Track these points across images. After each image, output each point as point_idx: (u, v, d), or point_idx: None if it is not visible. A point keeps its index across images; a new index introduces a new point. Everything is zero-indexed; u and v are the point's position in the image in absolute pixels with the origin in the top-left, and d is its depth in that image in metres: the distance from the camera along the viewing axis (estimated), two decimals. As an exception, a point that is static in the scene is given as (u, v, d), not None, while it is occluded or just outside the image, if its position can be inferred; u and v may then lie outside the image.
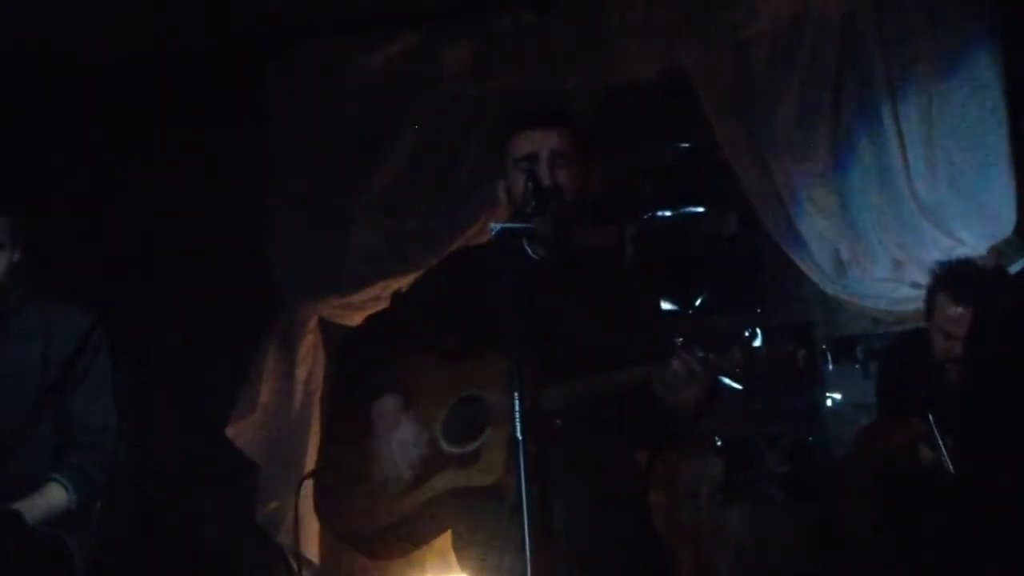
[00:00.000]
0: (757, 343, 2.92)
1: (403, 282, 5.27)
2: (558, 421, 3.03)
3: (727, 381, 3.03)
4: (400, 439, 3.16)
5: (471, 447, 3.09)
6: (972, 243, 4.74)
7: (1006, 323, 3.52)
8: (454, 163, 5.46)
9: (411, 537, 3.26)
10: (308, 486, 3.52)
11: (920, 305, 4.51)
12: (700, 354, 2.91)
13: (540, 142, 3.20)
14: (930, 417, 4.08)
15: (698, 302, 5.79)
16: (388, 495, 3.18)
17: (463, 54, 5.53)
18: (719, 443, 5.48)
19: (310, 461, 5.34)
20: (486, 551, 3.08)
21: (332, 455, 3.48)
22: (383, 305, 4.34)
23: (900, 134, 4.93)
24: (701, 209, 5.96)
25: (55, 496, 3.41)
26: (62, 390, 3.50)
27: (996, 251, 4.68)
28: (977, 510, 3.56)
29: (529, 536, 2.63)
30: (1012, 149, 4.73)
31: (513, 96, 5.27)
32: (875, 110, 4.99)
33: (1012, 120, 4.75)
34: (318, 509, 3.40)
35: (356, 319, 5.37)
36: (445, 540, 3.28)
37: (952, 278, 4.30)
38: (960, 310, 4.20)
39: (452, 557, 3.27)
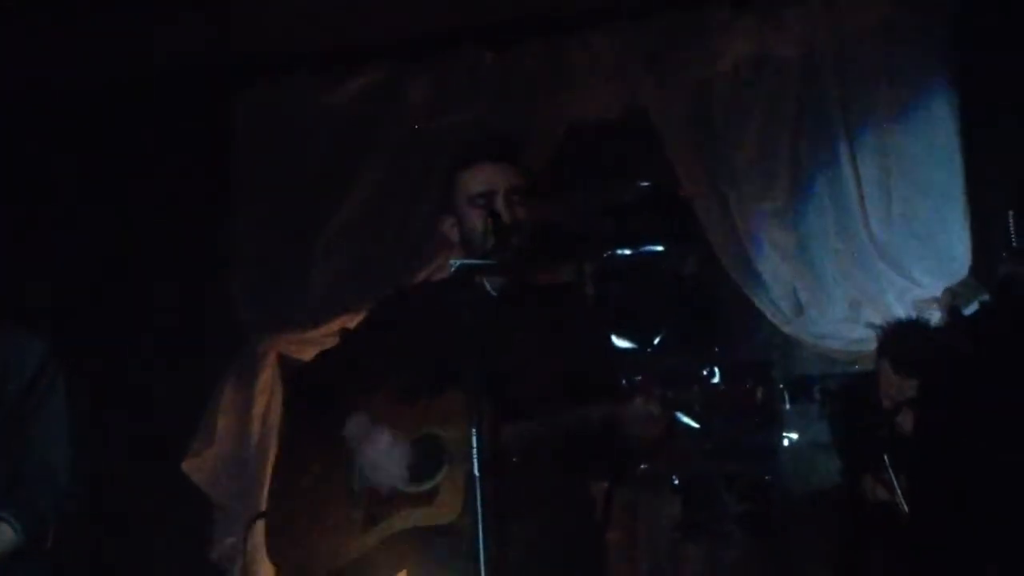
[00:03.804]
0: (715, 381, 2.94)
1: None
2: (514, 459, 3.02)
3: (685, 419, 3.04)
4: (377, 449, 3.10)
5: (428, 485, 3.07)
6: (928, 284, 4.79)
7: (955, 366, 3.55)
8: (415, 199, 5.46)
9: None
10: (260, 526, 3.48)
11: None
12: (659, 391, 2.93)
13: (496, 177, 3.17)
14: (885, 457, 4.10)
15: (656, 341, 5.81)
16: (349, 526, 3.14)
17: (425, 91, 5.55)
18: (676, 482, 5.48)
19: (267, 497, 5.30)
20: None
21: (284, 495, 3.42)
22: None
23: (857, 176, 4.98)
24: (660, 248, 5.99)
25: (1, 534, 3.35)
26: (16, 424, 3.45)
27: (951, 293, 4.72)
28: (931, 549, 3.58)
29: (485, 573, 2.62)
30: (967, 193, 4.79)
31: (473, 133, 5.28)
32: (833, 152, 5.03)
33: (967, 164, 4.80)
34: (270, 552, 3.35)
35: (314, 355, 5.35)
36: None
37: (894, 345, 4.33)
38: (900, 380, 4.24)
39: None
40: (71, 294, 5.51)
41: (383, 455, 3.09)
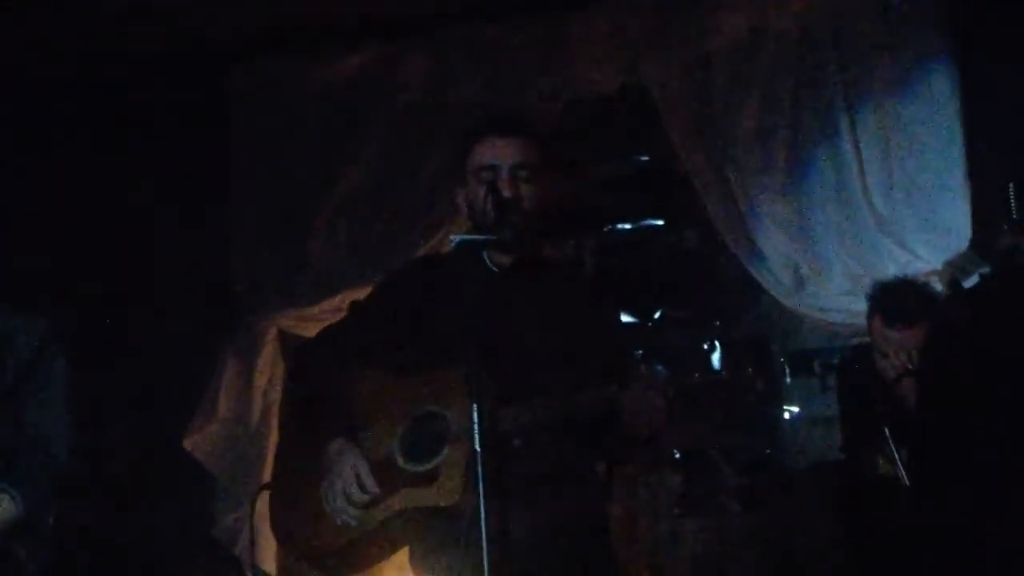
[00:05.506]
0: (716, 358, 2.95)
1: (361, 295, 5.25)
2: (516, 441, 3.01)
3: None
4: (337, 478, 3.09)
5: (429, 465, 3.05)
6: (928, 258, 4.79)
7: (954, 338, 3.55)
8: (414, 174, 5.46)
9: (369, 554, 3.21)
10: (264, 500, 3.48)
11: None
12: (658, 380, 2.93)
13: (502, 152, 3.14)
14: (886, 430, 4.11)
15: (657, 315, 5.82)
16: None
17: (423, 66, 5.54)
18: (677, 456, 5.50)
19: (268, 473, 5.31)
20: (444, 567, 3.07)
21: (286, 472, 3.42)
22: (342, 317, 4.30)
23: (858, 150, 4.98)
24: (660, 222, 6.00)
25: (1, 506, 3.35)
26: (17, 400, 3.45)
27: (951, 266, 4.73)
28: (932, 522, 3.59)
29: (487, 550, 2.62)
30: (967, 165, 4.78)
31: (473, 107, 5.27)
32: (833, 126, 5.03)
33: (967, 137, 4.80)
34: (274, 527, 3.35)
35: (314, 331, 5.34)
36: (403, 552, 3.25)
37: (885, 300, 4.33)
38: (892, 332, 4.24)
39: (410, 570, 3.24)
40: (71, 272, 5.49)
41: (339, 487, 3.09)
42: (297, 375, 3.59)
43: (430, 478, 3.04)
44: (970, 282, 4.63)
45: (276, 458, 3.55)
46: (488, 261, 3.19)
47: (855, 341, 4.90)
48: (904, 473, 4.05)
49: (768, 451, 5.56)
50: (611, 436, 3.07)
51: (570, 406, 3.00)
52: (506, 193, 3.08)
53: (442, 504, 3.00)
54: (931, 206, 4.84)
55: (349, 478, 3.06)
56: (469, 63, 5.47)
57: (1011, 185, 4.22)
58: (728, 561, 5.35)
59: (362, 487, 3.06)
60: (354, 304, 3.48)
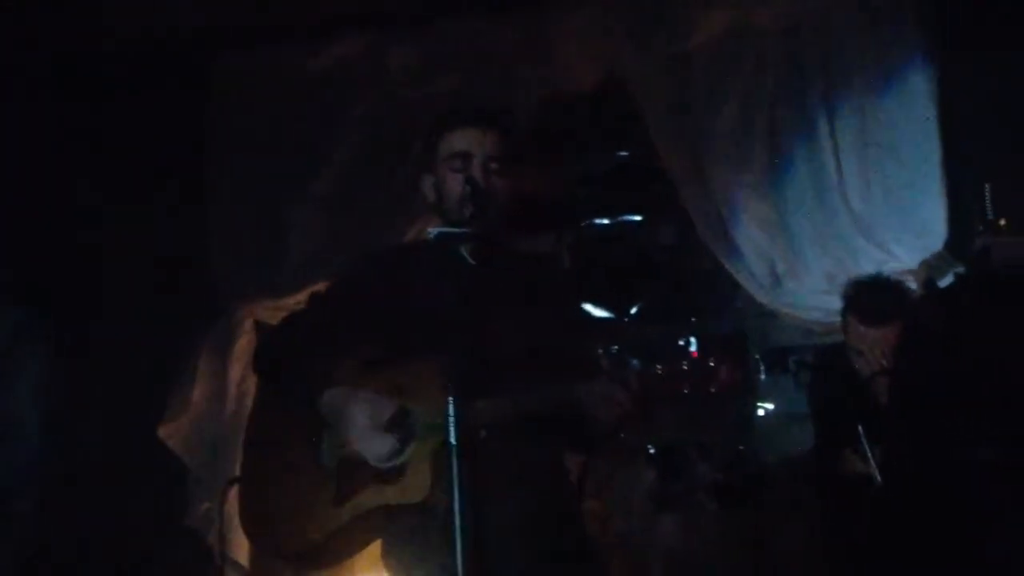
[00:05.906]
0: (683, 359, 2.94)
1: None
2: (483, 433, 2.99)
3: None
4: (366, 416, 3.00)
5: (395, 462, 3.02)
6: (904, 257, 4.81)
7: (928, 337, 3.57)
8: (395, 166, 5.45)
9: (341, 550, 3.18)
10: (235, 492, 3.44)
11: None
12: (626, 371, 2.93)
13: (475, 142, 3.13)
14: (859, 428, 4.13)
15: (634, 310, 5.83)
16: (320, 502, 3.11)
17: (407, 58, 5.53)
18: (652, 451, 5.51)
19: (239, 467, 5.30)
20: (415, 562, 3.06)
21: (256, 467, 3.38)
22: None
23: (836, 149, 5.00)
24: (638, 218, 6.00)
25: None
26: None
27: (927, 265, 4.75)
28: (904, 519, 3.61)
29: (461, 544, 2.62)
30: (944, 166, 4.80)
31: (455, 100, 5.26)
32: (812, 124, 5.05)
33: (944, 137, 4.82)
34: (244, 524, 3.31)
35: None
36: (375, 546, 3.24)
37: (859, 299, 4.36)
38: (867, 330, 4.26)
39: (382, 564, 3.23)
40: (49, 262, 5.46)
41: (362, 423, 3.00)
42: (260, 367, 3.50)
43: (396, 475, 3.02)
44: (945, 281, 4.65)
45: (245, 452, 3.48)
46: (465, 254, 3.18)
47: (830, 339, 4.93)
48: (876, 471, 4.07)
49: (742, 448, 5.58)
50: (577, 429, 3.07)
51: (536, 400, 2.99)
52: (482, 184, 3.07)
53: (410, 501, 2.99)
54: (908, 205, 4.86)
55: (364, 408, 2.99)
56: (453, 56, 5.46)
57: (987, 186, 4.25)
58: (702, 556, 5.37)
59: (383, 407, 2.98)
60: (314, 295, 3.42)
